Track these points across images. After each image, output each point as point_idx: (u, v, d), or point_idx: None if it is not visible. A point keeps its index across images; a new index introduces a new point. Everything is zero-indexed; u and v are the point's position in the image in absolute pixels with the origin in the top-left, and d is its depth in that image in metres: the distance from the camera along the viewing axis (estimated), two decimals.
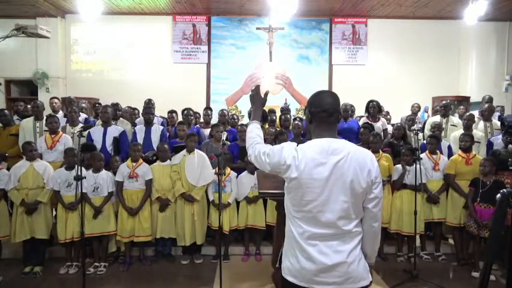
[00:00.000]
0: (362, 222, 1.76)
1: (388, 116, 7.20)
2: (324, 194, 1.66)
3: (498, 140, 4.86)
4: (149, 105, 5.79)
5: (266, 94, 2.24)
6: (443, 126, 5.81)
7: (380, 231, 1.83)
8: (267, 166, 1.82)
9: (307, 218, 1.70)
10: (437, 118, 6.05)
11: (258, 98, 2.20)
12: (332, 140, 1.73)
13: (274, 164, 1.77)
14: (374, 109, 5.90)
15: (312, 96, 1.85)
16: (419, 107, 7.56)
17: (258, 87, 2.24)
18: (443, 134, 5.70)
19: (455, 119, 6.13)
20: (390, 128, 6.25)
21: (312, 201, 1.68)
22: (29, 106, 5.91)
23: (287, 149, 1.74)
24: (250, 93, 2.22)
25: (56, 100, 6.01)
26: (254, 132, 2.01)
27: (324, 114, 1.76)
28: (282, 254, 1.86)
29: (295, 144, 1.77)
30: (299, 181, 1.68)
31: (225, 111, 5.91)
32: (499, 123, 5.62)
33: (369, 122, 5.64)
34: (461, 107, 7.55)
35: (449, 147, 5.20)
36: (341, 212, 1.67)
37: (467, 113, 5.86)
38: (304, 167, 1.67)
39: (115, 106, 5.82)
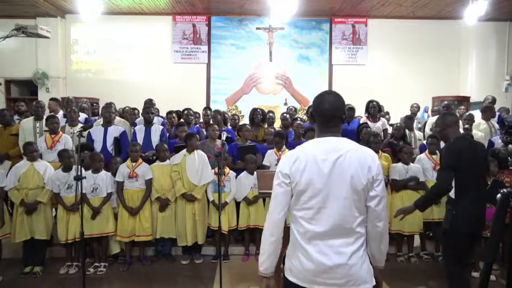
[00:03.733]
0: (366, 222, 1.75)
1: (387, 116, 7.18)
2: (325, 190, 1.68)
3: (499, 140, 4.86)
4: (149, 105, 5.78)
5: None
6: None
7: (386, 232, 1.81)
8: (281, 193, 1.78)
9: (309, 215, 1.70)
10: None
11: None
12: (333, 138, 1.75)
13: (279, 184, 1.77)
14: (374, 109, 5.91)
15: (315, 97, 1.88)
16: (418, 107, 7.55)
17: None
18: None
19: None
20: (390, 128, 6.27)
21: (313, 198, 1.68)
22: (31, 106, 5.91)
23: (281, 163, 1.79)
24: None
25: (50, 102, 5.98)
26: None
27: (323, 120, 1.80)
28: (285, 254, 1.86)
29: (288, 153, 1.82)
30: (301, 180, 1.70)
31: (217, 112, 5.90)
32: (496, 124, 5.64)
33: (367, 122, 5.65)
34: (462, 107, 7.55)
35: None
36: (342, 208, 1.67)
37: (467, 113, 5.86)
38: (305, 166, 1.69)
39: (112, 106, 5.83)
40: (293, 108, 7.08)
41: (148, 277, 4.26)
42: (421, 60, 9.35)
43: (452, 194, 3.03)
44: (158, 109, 5.83)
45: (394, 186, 4.63)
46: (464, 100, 8.65)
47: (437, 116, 6.27)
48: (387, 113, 7.19)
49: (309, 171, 1.69)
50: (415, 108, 7.43)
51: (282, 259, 1.89)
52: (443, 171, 2.98)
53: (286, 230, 1.83)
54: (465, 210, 2.94)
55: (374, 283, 1.75)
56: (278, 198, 1.77)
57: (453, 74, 9.47)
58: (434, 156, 4.77)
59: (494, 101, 6.18)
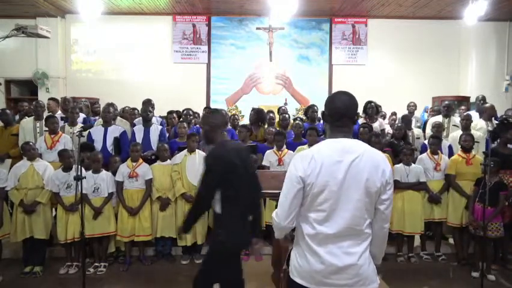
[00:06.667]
0: (372, 224, 1.75)
1: (393, 117, 7.10)
2: (340, 192, 1.66)
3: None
4: (147, 104, 5.76)
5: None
6: (445, 126, 5.81)
7: (387, 233, 1.84)
8: (292, 194, 1.73)
9: (322, 217, 1.68)
10: (439, 118, 6.05)
11: None
12: (346, 139, 1.74)
13: (292, 188, 1.73)
14: (372, 110, 5.92)
15: (328, 97, 1.87)
16: (415, 106, 7.52)
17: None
18: (444, 134, 5.69)
19: (457, 119, 6.13)
20: (387, 128, 6.27)
21: (328, 200, 1.67)
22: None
23: (295, 165, 1.73)
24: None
25: (50, 101, 5.98)
26: None
27: (334, 119, 1.78)
28: (289, 255, 1.85)
29: (302, 153, 1.77)
30: (316, 182, 1.67)
31: (223, 111, 5.92)
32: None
33: (367, 123, 5.65)
34: (463, 107, 7.55)
35: (450, 147, 5.19)
36: (354, 210, 1.67)
37: (465, 113, 5.87)
38: (320, 168, 1.67)
39: (112, 106, 5.83)
40: (286, 109, 7.01)
41: (148, 277, 4.26)
42: (421, 60, 9.34)
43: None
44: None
45: (395, 187, 4.64)
46: (464, 100, 8.64)
47: (437, 116, 6.32)
48: (394, 114, 7.10)
49: (325, 173, 1.66)
50: (412, 107, 7.41)
51: (286, 259, 1.88)
52: (210, 180, 2.57)
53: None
54: (236, 225, 2.59)
55: (379, 282, 1.77)
56: (288, 203, 1.73)
57: (453, 74, 9.47)
58: (435, 156, 4.77)
59: (484, 99, 6.29)
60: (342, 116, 1.76)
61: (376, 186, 1.68)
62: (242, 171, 2.61)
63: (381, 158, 1.74)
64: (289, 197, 1.72)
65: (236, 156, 2.61)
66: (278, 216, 1.77)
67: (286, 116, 5.90)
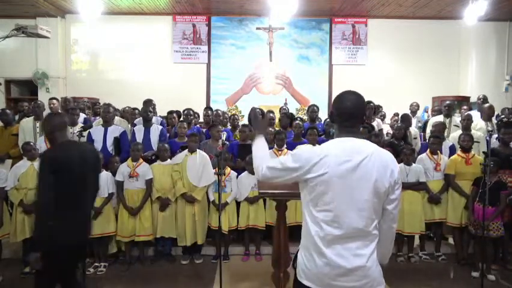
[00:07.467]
0: (380, 224, 1.74)
1: (396, 118, 7.09)
2: (347, 193, 1.65)
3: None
4: (147, 104, 5.76)
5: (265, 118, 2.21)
6: (446, 126, 5.80)
7: (395, 233, 1.84)
8: (286, 175, 1.77)
9: (330, 217, 1.66)
10: (440, 118, 6.05)
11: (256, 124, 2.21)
12: (354, 139, 1.73)
13: (295, 168, 1.73)
14: (371, 110, 5.94)
15: (336, 97, 1.85)
16: (418, 106, 7.54)
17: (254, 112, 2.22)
18: (445, 134, 5.70)
19: (458, 119, 6.12)
20: (387, 129, 6.28)
21: (335, 199, 1.65)
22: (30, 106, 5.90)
23: (307, 154, 1.72)
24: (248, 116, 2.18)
25: (54, 101, 6.00)
26: (261, 151, 2.06)
27: (342, 119, 1.77)
28: (296, 256, 1.83)
29: (314, 148, 1.78)
30: (325, 178, 1.65)
31: (219, 111, 5.94)
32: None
33: (368, 122, 5.65)
34: (465, 107, 7.54)
35: (452, 148, 5.16)
36: (362, 211, 1.65)
37: (465, 113, 5.87)
38: (329, 164, 1.65)
39: (111, 106, 5.84)
40: (287, 109, 7.01)
41: (148, 277, 4.26)
42: (421, 60, 9.35)
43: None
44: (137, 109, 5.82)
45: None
46: (464, 100, 8.65)
47: (438, 115, 6.31)
48: (397, 114, 7.09)
49: (332, 173, 1.65)
50: (415, 107, 7.43)
51: (292, 260, 1.86)
52: (45, 182, 2.58)
53: (297, 228, 1.81)
54: (66, 222, 2.58)
55: (385, 284, 1.76)
56: (284, 177, 1.78)
57: (453, 74, 9.47)
58: (435, 156, 4.77)
59: (485, 99, 6.30)
60: (350, 116, 1.75)
61: (385, 187, 1.67)
62: (75, 170, 2.64)
63: (390, 158, 1.73)
64: (289, 175, 1.75)
65: (71, 155, 2.65)
66: (262, 175, 1.86)
67: (285, 116, 5.90)
